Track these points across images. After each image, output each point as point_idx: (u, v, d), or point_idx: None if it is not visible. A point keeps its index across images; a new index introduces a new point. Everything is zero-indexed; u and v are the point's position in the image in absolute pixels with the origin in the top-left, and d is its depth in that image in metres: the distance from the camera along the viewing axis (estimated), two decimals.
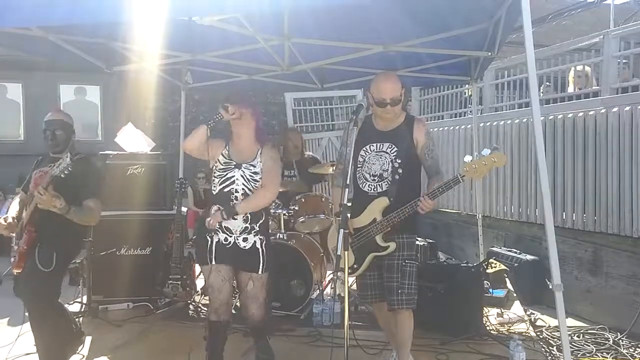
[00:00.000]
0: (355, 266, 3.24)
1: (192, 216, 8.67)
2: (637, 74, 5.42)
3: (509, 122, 6.39)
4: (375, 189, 3.17)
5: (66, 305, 3.70)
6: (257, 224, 3.33)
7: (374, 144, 3.22)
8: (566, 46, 6.22)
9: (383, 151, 3.19)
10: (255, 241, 3.32)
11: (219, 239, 3.29)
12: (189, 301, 4.78)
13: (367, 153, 3.23)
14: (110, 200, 4.71)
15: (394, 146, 3.16)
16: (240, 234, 3.29)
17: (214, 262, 3.28)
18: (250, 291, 3.33)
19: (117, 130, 5.32)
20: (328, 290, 4.96)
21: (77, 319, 3.89)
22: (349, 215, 2.94)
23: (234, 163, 3.34)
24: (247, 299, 3.37)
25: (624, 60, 5.56)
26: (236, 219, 3.26)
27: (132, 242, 4.83)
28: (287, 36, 4.24)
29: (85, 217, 3.30)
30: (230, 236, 3.29)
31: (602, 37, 5.49)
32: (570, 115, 5.46)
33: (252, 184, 3.30)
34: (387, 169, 3.14)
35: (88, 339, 3.88)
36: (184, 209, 5.12)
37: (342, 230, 2.82)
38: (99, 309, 4.65)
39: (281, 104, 10.61)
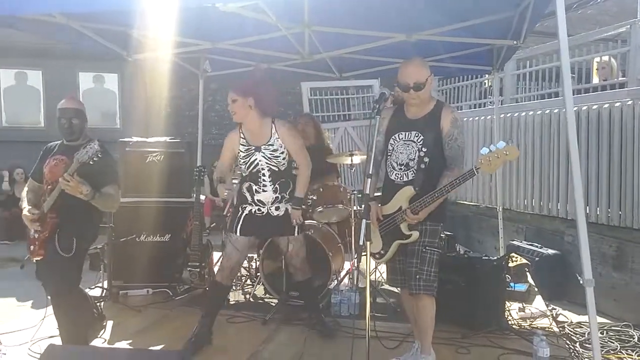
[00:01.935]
0: (382, 252, 3.27)
1: (209, 204, 8.72)
2: None
3: (531, 113, 6.29)
4: (401, 178, 3.16)
5: (87, 290, 3.72)
6: (287, 192, 3.64)
7: (403, 133, 3.19)
8: (591, 36, 6.09)
9: (411, 140, 3.15)
10: (287, 208, 3.65)
11: (251, 209, 3.63)
12: (207, 288, 4.78)
13: (395, 142, 3.20)
14: (130, 187, 4.77)
15: (420, 135, 3.12)
16: (272, 204, 3.61)
17: (238, 234, 3.60)
18: (292, 251, 3.73)
19: (135, 118, 5.33)
20: (346, 280, 4.93)
21: (98, 304, 3.90)
22: (378, 203, 3.11)
23: (254, 147, 3.59)
24: (291, 258, 3.81)
25: None
26: (266, 191, 3.59)
27: (151, 228, 4.84)
28: (308, 24, 4.20)
29: (107, 203, 3.33)
30: (263, 207, 3.61)
31: (629, 26, 5.36)
32: (595, 107, 5.35)
33: (275, 161, 3.58)
34: (414, 158, 3.11)
35: (109, 323, 3.91)
36: (202, 197, 5.11)
37: (364, 221, 2.81)
38: (120, 294, 4.70)
39: (297, 94, 10.57)
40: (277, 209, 3.63)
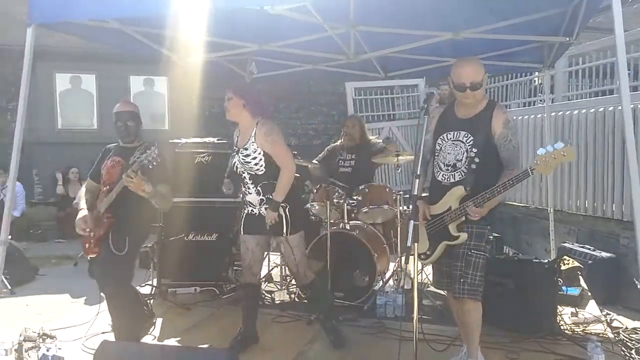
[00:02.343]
0: (428, 252, 3.22)
1: None
2: None
3: (584, 111, 6.07)
4: (448, 179, 3.10)
5: (137, 288, 3.83)
6: (272, 194, 3.52)
7: (451, 133, 3.13)
8: None
9: (459, 140, 3.09)
10: None
11: (249, 210, 3.65)
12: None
13: (443, 142, 3.15)
14: (178, 187, 4.86)
15: (470, 135, 3.05)
16: (260, 205, 3.57)
17: (242, 233, 3.68)
18: (285, 252, 3.69)
19: (182, 120, 5.45)
20: (391, 282, 4.90)
21: (148, 301, 4.01)
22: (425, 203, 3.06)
23: (236, 149, 3.62)
24: (286, 259, 3.78)
25: None
26: (251, 194, 3.58)
27: (199, 228, 4.94)
28: (353, 24, 4.19)
29: (163, 201, 3.44)
30: (255, 208, 3.60)
31: None
32: None
33: (248, 166, 3.52)
34: (461, 159, 3.05)
35: (159, 321, 4.00)
36: None
37: (412, 222, 2.78)
38: (168, 292, 4.80)
39: (340, 94, 10.57)
40: (266, 209, 3.54)
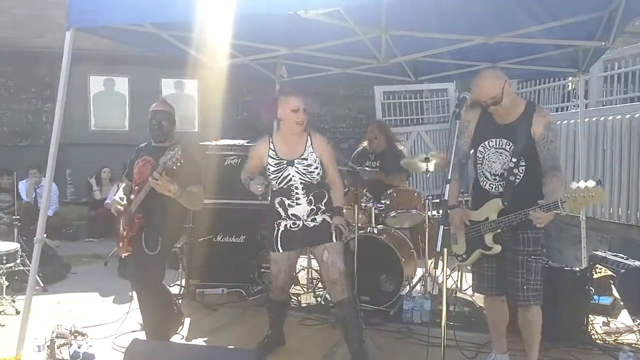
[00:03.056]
0: (464, 256, 3.24)
1: None
2: None
3: (619, 117, 5.94)
4: (497, 189, 3.07)
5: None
6: (322, 203, 3.46)
7: (493, 140, 3.08)
8: None
9: (502, 148, 3.05)
10: (323, 218, 3.46)
11: (286, 224, 3.45)
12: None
13: (486, 150, 3.10)
14: (208, 189, 4.91)
15: (511, 143, 3.01)
16: (307, 216, 3.43)
17: (281, 250, 3.46)
18: (327, 259, 3.40)
19: (212, 122, 5.50)
20: (418, 287, 4.87)
21: (177, 301, 4.07)
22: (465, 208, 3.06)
23: (285, 161, 3.43)
24: (327, 269, 3.42)
25: None
26: (300, 204, 3.42)
27: (227, 229, 4.99)
28: (385, 29, 4.19)
29: (192, 201, 3.47)
30: (298, 220, 3.44)
31: None
32: None
33: (309, 176, 3.40)
34: (507, 168, 3.01)
35: (187, 320, 4.06)
36: None
37: (442, 227, 2.76)
38: (196, 293, 4.87)
39: (369, 98, 10.54)
40: (312, 220, 3.44)
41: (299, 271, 5.40)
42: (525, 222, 2.96)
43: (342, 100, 11.22)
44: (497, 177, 3.07)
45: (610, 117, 6.05)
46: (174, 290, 4.80)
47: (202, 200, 3.59)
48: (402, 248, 4.68)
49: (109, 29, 3.62)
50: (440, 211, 2.91)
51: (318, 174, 3.42)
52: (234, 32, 4.12)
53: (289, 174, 3.41)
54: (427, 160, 4.83)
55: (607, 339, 3.90)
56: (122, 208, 3.48)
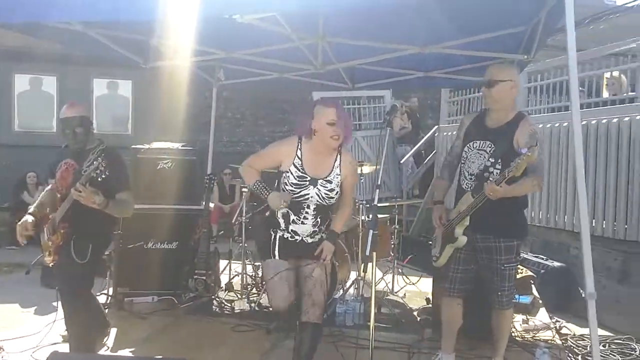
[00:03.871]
0: (437, 255, 3.39)
1: (217, 212, 8.77)
2: None
3: (540, 126, 6.27)
4: (471, 188, 3.19)
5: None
6: (325, 225, 3.22)
7: (477, 142, 3.21)
8: (602, 51, 6.09)
9: (483, 150, 3.17)
10: (321, 237, 3.21)
11: (283, 235, 3.19)
12: (212, 296, 4.81)
13: (469, 150, 3.24)
14: (139, 194, 4.78)
15: (492, 145, 3.13)
16: (308, 235, 3.18)
17: (276, 257, 3.16)
18: (317, 278, 3.10)
19: (147, 125, 5.39)
20: (351, 290, 4.95)
21: (104, 310, 3.92)
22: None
23: (309, 178, 3.11)
24: (314, 286, 3.10)
25: None
26: (305, 224, 3.14)
27: (159, 235, 4.87)
28: (322, 36, 4.24)
29: (122, 210, 3.32)
30: (297, 236, 3.18)
31: (639, 42, 5.37)
32: (604, 120, 5.36)
33: (327, 201, 3.14)
34: (483, 167, 3.14)
35: (113, 331, 3.91)
36: (211, 205, 5.15)
37: (371, 232, 2.84)
38: (125, 301, 4.69)
39: (309, 103, 10.62)
40: (311, 237, 3.20)
41: (233, 277, 5.36)
42: (498, 231, 3.11)
43: (282, 105, 11.26)
44: (473, 177, 3.18)
45: None
46: (101, 299, 4.63)
47: (131, 208, 3.42)
48: (336, 252, 4.71)
49: (34, 25, 3.46)
50: (370, 216, 2.98)
51: (335, 197, 3.16)
52: (168, 33, 4.06)
53: (309, 194, 3.10)
54: (360, 164, 4.93)
55: (526, 336, 4.12)
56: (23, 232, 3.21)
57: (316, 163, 3.14)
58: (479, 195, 3.03)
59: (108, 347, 3.75)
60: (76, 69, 9.49)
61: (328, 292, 3.32)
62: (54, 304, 3.53)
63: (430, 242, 3.59)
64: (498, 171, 3.06)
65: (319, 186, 3.10)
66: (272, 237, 3.20)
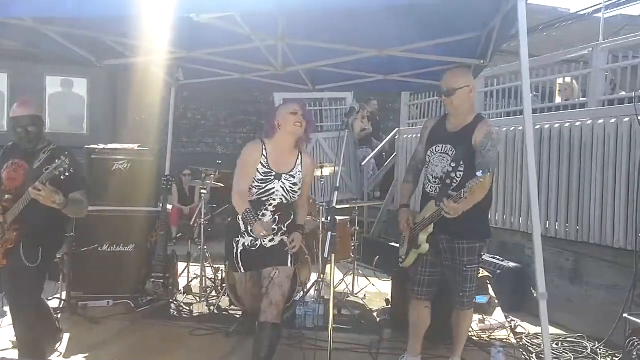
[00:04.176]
0: (403, 257, 3.44)
1: (176, 214, 8.63)
2: (623, 88, 5.49)
3: (497, 129, 6.43)
4: (436, 191, 3.24)
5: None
6: (285, 225, 3.33)
7: (440, 145, 3.27)
8: (555, 57, 6.29)
9: (445, 153, 3.23)
10: (282, 239, 3.30)
11: (244, 243, 3.29)
12: (170, 300, 4.74)
13: (432, 154, 3.29)
14: (94, 196, 4.68)
15: (454, 149, 3.18)
16: (266, 236, 3.21)
17: (242, 271, 3.34)
18: (276, 279, 3.18)
19: (103, 125, 5.27)
20: (312, 292, 4.95)
21: (56, 316, 3.81)
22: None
23: (274, 173, 3.27)
24: (273, 287, 3.17)
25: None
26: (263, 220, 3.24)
27: (115, 238, 4.77)
28: (282, 37, 4.23)
29: (77, 210, 3.24)
30: (257, 240, 3.26)
31: (591, 49, 5.57)
32: (556, 125, 5.52)
33: (291, 195, 3.30)
34: (446, 172, 3.19)
35: (66, 336, 3.82)
36: (168, 207, 5.07)
37: (329, 234, 2.84)
38: (79, 306, 4.58)
39: (270, 104, 10.59)
40: (270, 240, 3.28)
41: (192, 280, 5.28)
42: (462, 233, 3.16)
43: (243, 105, 11.18)
44: (437, 180, 3.24)
45: None
46: (54, 303, 4.49)
47: (86, 208, 3.36)
48: (296, 254, 4.72)
49: None
50: (329, 218, 2.98)
51: (297, 193, 3.32)
52: (123, 31, 3.97)
53: (274, 188, 3.25)
54: (321, 166, 4.94)
55: (482, 336, 4.21)
56: None
57: (281, 159, 3.30)
58: (440, 207, 3.06)
59: (60, 353, 3.66)
60: (28, 65, 9.19)
61: (288, 293, 3.34)
62: (3, 308, 3.40)
63: (392, 244, 3.64)
64: (461, 174, 3.13)
65: (283, 180, 3.27)
66: (235, 250, 3.29)
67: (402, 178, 3.59)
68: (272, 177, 3.26)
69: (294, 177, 3.30)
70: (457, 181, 3.16)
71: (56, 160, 2.98)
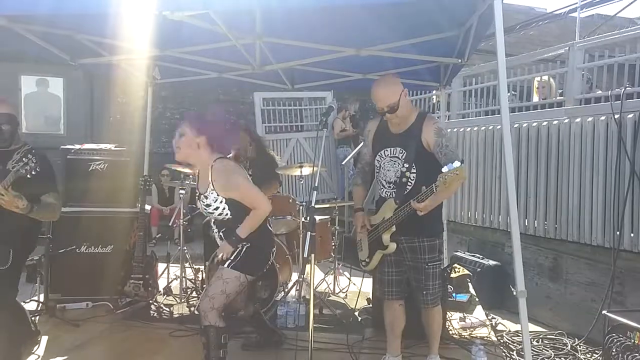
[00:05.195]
0: (367, 260, 3.40)
1: (156, 214, 8.54)
2: (599, 86, 5.58)
3: (475, 128, 6.50)
4: (391, 195, 3.21)
5: (22, 304, 3.56)
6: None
7: (388, 149, 3.24)
8: (532, 56, 6.36)
9: (396, 156, 3.20)
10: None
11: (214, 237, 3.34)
12: (150, 301, 4.68)
13: (382, 159, 3.26)
14: (71, 196, 4.63)
15: (404, 151, 3.16)
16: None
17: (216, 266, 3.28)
18: (211, 280, 3.19)
19: (80, 125, 5.19)
20: (293, 292, 4.93)
21: (33, 318, 3.74)
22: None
23: (198, 193, 3.24)
24: (205, 291, 3.18)
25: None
26: (215, 234, 3.28)
27: (93, 239, 4.70)
28: (259, 35, 4.20)
29: (47, 214, 3.18)
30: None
31: (567, 48, 5.64)
32: (534, 124, 5.59)
33: (210, 215, 3.16)
34: (400, 174, 3.16)
35: (44, 339, 3.76)
36: (147, 207, 5.01)
37: (309, 233, 2.83)
38: (57, 308, 4.50)
39: (250, 104, 10.56)
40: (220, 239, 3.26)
41: (172, 281, 5.22)
42: (421, 231, 3.15)
43: (223, 105, 11.07)
44: (391, 185, 3.21)
45: (469, 129, 6.60)
46: (31, 306, 4.41)
47: (58, 211, 3.28)
48: (277, 254, 4.70)
49: None
50: (309, 218, 2.97)
51: (220, 214, 3.10)
52: (97, 29, 3.90)
53: (199, 208, 3.23)
54: (300, 166, 4.92)
55: (462, 334, 4.23)
56: None
57: (200, 178, 3.22)
58: (405, 205, 3.06)
59: (39, 356, 3.61)
60: (2, 65, 8.99)
61: (216, 298, 3.08)
62: None
63: None
64: (414, 175, 3.13)
65: (200, 200, 3.17)
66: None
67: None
68: (197, 196, 3.24)
69: (207, 198, 3.10)
70: (411, 182, 3.14)
71: (22, 159, 2.91)
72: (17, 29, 3.84)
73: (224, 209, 3.09)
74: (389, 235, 3.22)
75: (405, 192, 3.14)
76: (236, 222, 3.09)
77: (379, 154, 3.28)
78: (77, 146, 4.88)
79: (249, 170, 5.26)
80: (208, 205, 3.11)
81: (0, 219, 3.04)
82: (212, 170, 3.07)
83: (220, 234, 3.20)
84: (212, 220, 3.22)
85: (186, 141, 3.09)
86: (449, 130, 6.65)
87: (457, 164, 2.80)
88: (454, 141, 3.17)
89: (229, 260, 3.09)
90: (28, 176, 2.91)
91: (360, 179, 3.50)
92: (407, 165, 3.14)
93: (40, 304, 4.48)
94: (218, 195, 3.05)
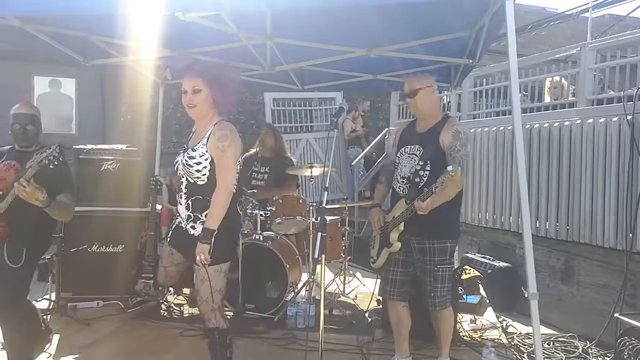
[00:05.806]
0: (375, 257, 3.45)
1: (167, 214, 8.57)
2: (612, 87, 5.52)
3: (486, 129, 6.46)
4: (404, 191, 3.27)
5: (34, 302, 3.59)
6: (203, 214, 2.95)
7: (409, 146, 3.32)
8: (544, 57, 6.31)
9: (413, 154, 3.27)
10: (198, 231, 2.97)
11: (177, 222, 3.15)
12: (160, 300, 4.70)
13: (401, 155, 3.34)
14: (83, 196, 4.65)
15: (421, 149, 3.23)
16: (187, 221, 3.02)
17: (167, 243, 3.26)
18: (196, 284, 3.01)
19: (92, 125, 5.23)
20: (303, 292, 4.93)
21: (45, 317, 3.78)
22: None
23: (185, 147, 3.08)
24: (196, 291, 3.05)
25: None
26: (181, 204, 3.04)
27: (104, 238, 4.74)
28: (270, 36, 4.21)
29: (62, 212, 3.21)
30: (183, 222, 3.07)
31: (579, 49, 5.59)
32: (546, 125, 5.54)
33: (187, 170, 2.96)
34: (414, 171, 3.22)
35: (55, 338, 3.79)
36: (158, 207, 5.03)
37: (319, 234, 2.83)
38: (68, 307, 4.54)
39: (260, 104, 10.57)
40: (192, 227, 3.00)
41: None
42: (431, 232, 3.16)
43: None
44: (404, 180, 3.27)
45: (480, 129, 6.56)
46: (43, 304, 4.44)
47: (72, 212, 3.31)
48: (287, 254, 4.72)
49: None
50: (320, 218, 2.97)
51: (199, 171, 2.94)
52: (109, 30, 3.93)
53: (177, 161, 3.07)
54: (310, 166, 4.93)
55: (473, 336, 4.22)
56: None
57: (194, 136, 3.13)
58: (410, 205, 3.11)
59: (50, 355, 3.63)
60: (15, 65, 9.09)
61: (210, 299, 2.99)
62: None
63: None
64: (428, 173, 3.16)
65: (185, 153, 3.02)
66: (174, 223, 3.20)
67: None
68: (181, 150, 3.08)
69: (194, 150, 2.97)
70: (424, 180, 3.18)
71: (46, 150, 2.96)
72: (30, 29, 3.90)
73: (205, 167, 2.94)
74: (397, 234, 3.25)
75: (417, 190, 3.17)
76: (205, 194, 2.95)
77: (400, 151, 3.37)
78: (89, 146, 4.92)
79: (265, 168, 5.31)
80: (191, 158, 2.96)
81: (18, 216, 3.08)
82: (216, 125, 2.98)
83: (189, 202, 3.00)
84: (185, 184, 3.01)
85: (203, 97, 2.98)
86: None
87: (453, 167, 2.86)
88: (469, 147, 3.16)
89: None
90: (51, 166, 2.95)
91: (383, 177, 3.59)
92: (422, 163, 3.18)
93: (52, 303, 4.51)
94: (205, 151, 2.94)
